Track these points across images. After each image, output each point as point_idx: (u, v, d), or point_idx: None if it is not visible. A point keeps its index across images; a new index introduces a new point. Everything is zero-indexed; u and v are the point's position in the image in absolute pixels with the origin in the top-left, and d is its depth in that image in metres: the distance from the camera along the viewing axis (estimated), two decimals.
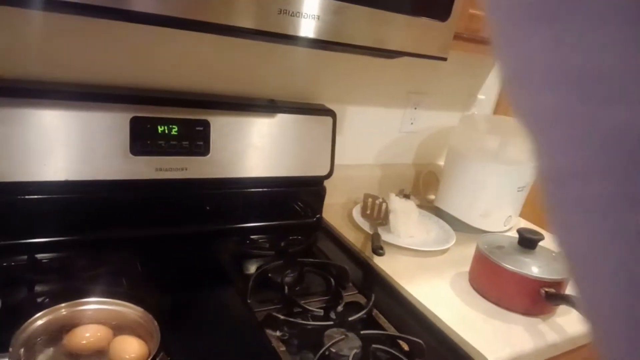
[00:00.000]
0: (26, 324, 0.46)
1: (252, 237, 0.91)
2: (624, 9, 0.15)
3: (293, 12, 0.59)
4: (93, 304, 0.53)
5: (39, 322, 0.48)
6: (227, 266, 0.82)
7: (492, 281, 0.84)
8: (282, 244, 0.89)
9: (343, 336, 0.66)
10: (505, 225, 1.11)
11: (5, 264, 0.70)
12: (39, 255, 0.71)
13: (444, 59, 0.75)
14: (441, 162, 1.30)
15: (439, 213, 1.13)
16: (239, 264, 0.83)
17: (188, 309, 0.70)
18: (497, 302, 0.83)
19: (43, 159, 0.71)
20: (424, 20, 0.72)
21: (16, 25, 0.71)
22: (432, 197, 1.22)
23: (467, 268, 0.90)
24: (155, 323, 0.53)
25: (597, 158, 0.16)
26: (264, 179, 0.90)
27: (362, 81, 1.07)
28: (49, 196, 0.74)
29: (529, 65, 0.18)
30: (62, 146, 0.72)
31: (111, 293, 0.58)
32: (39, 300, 0.64)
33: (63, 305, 0.51)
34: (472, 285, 0.87)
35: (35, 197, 0.73)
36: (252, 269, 0.82)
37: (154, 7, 0.55)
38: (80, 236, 0.77)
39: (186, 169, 0.83)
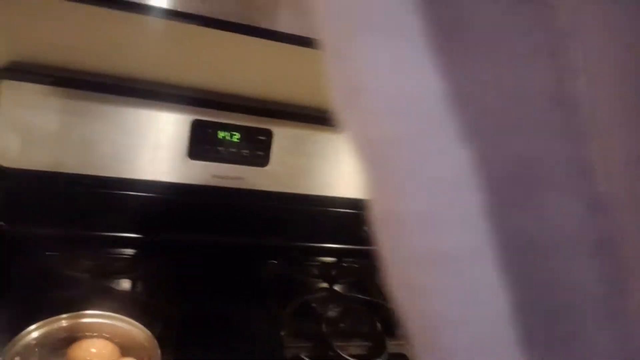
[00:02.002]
0: (22, 333, 0.45)
1: (301, 259, 0.84)
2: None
3: None
4: (95, 317, 0.50)
5: (34, 334, 0.46)
6: (269, 287, 0.76)
7: None
8: (333, 272, 0.81)
9: None
10: None
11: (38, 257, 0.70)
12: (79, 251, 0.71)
13: None
14: None
15: None
16: (281, 287, 0.77)
17: (216, 325, 0.66)
18: None
19: (105, 154, 0.72)
20: None
21: (92, 23, 0.72)
22: None
23: None
24: (159, 351, 0.48)
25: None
26: (324, 198, 0.84)
27: None
28: (105, 191, 0.74)
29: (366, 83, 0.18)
30: (125, 143, 0.72)
31: (126, 303, 0.55)
32: (66, 296, 0.63)
33: (64, 316, 0.48)
34: None
35: (95, 191, 0.74)
36: (295, 295, 0.75)
37: (229, 15, 0.53)
38: (127, 234, 0.77)
39: (242, 179, 0.79)
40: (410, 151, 0.17)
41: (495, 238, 0.17)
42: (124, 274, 0.70)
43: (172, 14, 0.55)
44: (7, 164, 0.67)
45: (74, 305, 0.56)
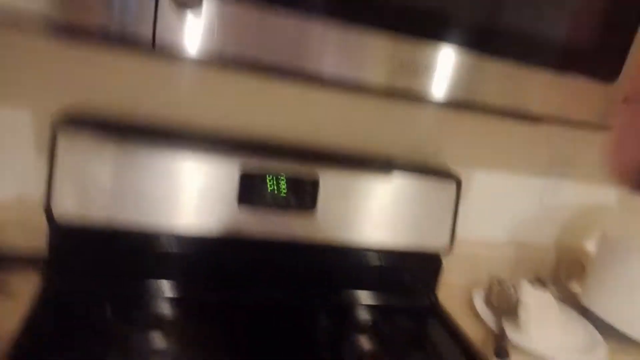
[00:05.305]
0: None
1: (353, 315, 0.81)
2: None
3: (421, 67, 0.51)
4: None
5: None
6: (320, 346, 0.72)
7: None
8: (387, 329, 0.77)
9: None
10: None
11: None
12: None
13: (608, 129, 0.60)
14: (590, 247, 1.08)
15: (584, 312, 0.92)
16: (334, 346, 0.73)
17: None
18: None
19: (155, 201, 0.71)
20: (581, 81, 0.59)
21: (146, 72, 0.73)
22: (576, 289, 1.00)
23: None
24: None
25: None
26: (374, 247, 0.81)
27: (494, 143, 0.94)
28: (154, 242, 0.73)
29: None
30: (177, 196, 0.71)
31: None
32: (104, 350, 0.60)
33: None
34: None
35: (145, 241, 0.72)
36: (347, 355, 0.71)
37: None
38: (181, 294, 0.74)
39: (291, 228, 0.77)
40: None
41: None
42: (159, 329, 0.67)
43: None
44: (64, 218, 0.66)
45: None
